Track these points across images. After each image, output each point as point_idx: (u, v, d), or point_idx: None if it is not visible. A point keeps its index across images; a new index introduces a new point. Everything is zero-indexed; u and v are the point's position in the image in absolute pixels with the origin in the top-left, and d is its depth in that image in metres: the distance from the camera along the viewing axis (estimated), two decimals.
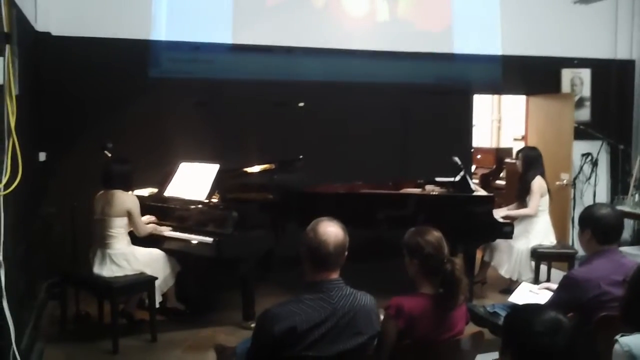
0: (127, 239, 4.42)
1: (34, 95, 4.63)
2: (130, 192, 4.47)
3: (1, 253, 2.87)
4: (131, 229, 4.46)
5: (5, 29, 3.06)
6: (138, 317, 4.61)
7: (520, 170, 5.56)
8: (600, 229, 3.04)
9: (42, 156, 5.07)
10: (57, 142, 5.25)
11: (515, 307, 1.98)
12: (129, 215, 4.36)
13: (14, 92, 3.12)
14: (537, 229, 5.34)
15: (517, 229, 5.19)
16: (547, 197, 5.40)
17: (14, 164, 3.04)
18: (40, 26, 5.14)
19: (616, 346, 2.10)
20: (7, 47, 3.06)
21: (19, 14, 3.81)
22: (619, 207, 5.65)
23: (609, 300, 2.85)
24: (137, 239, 4.49)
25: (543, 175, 5.41)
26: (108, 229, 4.32)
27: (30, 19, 4.76)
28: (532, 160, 5.47)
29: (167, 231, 4.63)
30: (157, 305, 4.40)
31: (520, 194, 5.46)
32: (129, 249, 4.40)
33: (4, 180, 2.94)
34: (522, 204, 5.43)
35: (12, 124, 3.06)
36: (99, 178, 4.43)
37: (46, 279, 5.02)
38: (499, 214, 5.26)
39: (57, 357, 4.06)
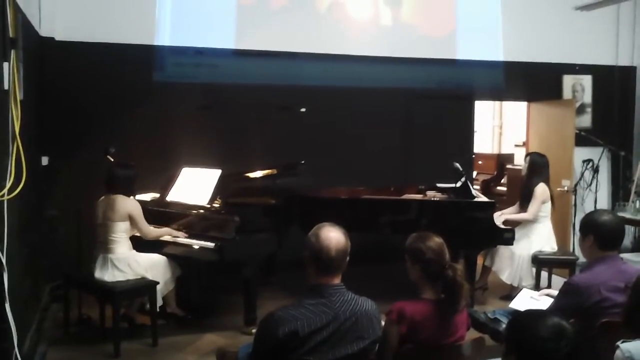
0: (129, 243, 4.43)
1: (37, 99, 4.66)
2: (131, 197, 4.48)
3: (5, 256, 2.89)
4: (133, 233, 4.47)
5: (11, 34, 3.09)
6: (139, 322, 4.61)
7: (524, 174, 5.54)
8: (602, 235, 3.04)
9: (45, 160, 5.09)
10: (59, 147, 5.27)
11: (519, 313, 1.99)
12: (131, 219, 4.37)
13: (19, 97, 3.15)
14: (539, 235, 5.34)
15: (519, 234, 5.19)
16: (549, 204, 5.39)
17: (18, 168, 3.06)
18: (44, 31, 5.17)
19: (617, 352, 2.11)
20: (13, 52, 3.08)
21: (23, 19, 3.83)
22: (620, 214, 5.65)
23: (609, 306, 2.86)
24: (139, 243, 4.50)
25: (547, 183, 5.41)
26: (110, 233, 4.32)
27: (35, 24, 4.79)
28: (538, 166, 5.44)
29: (182, 238, 4.61)
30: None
31: (523, 199, 5.46)
32: (131, 253, 4.40)
33: (8, 185, 2.95)
34: (524, 209, 5.42)
35: (17, 129, 3.08)
36: (102, 183, 4.45)
37: (49, 282, 5.03)
38: (498, 219, 5.25)
39: None
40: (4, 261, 2.88)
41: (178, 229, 4.68)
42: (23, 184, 3.10)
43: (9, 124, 3.07)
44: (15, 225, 3.24)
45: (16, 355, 3.01)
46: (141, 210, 4.43)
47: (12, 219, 3.08)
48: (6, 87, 3.04)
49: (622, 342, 2.13)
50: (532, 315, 1.86)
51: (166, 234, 4.62)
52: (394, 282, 3.58)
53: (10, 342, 2.96)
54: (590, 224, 3.10)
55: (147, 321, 4.43)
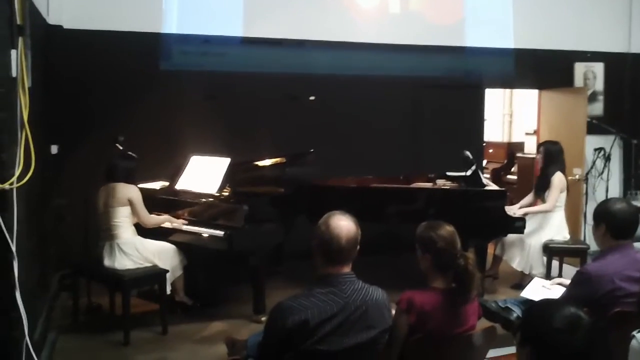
0: (133, 228, 4.44)
1: (45, 88, 4.65)
2: (132, 184, 4.48)
3: (14, 245, 2.89)
4: (135, 220, 4.47)
5: (19, 22, 3.07)
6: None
7: (541, 164, 5.49)
8: (615, 223, 3.02)
9: (54, 149, 5.09)
10: (68, 135, 5.27)
11: (535, 303, 1.95)
12: (131, 204, 4.37)
13: (27, 84, 3.13)
14: (551, 224, 5.29)
15: (531, 223, 5.17)
16: (565, 193, 5.34)
17: (26, 156, 3.05)
18: (52, 19, 5.15)
19: (633, 342, 2.08)
20: (21, 39, 3.06)
21: (31, 7, 3.81)
22: (632, 203, 5.60)
23: (622, 295, 2.84)
24: (148, 232, 4.50)
25: (563, 171, 5.35)
26: (113, 219, 4.34)
27: (42, 12, 4.77)
28: (553, 155, 5.39)
29: (183, 225, 4.61)
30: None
31: (539, 188, 5.40)
32: (137, 238, 4.41)
33: (17, 173, 2.95)
34: (540, 198, 5.37)
35: (25, 117, 3.07)
36: (104, 172, 4.46)
37: (58, 270, 5.05)
38: (518, 212, 5.20)
39: (69, 348, 4.08)
40: (14, 249, 2.88)
41: (184, 217, 4.68)
42: (32, 173, 3.09)
43: (17, 112, 3.05)
44: (24, 213, 3.24)
45: (27, 343, 3.01)
46: (141, 197, 4.43)
47: (21, 207, 3.07)
48: (14, 74, 3.02)
49: (639, 332, 2.10)
50: (548, 305, 1.82)
51: (165, 221, 4.62)
52: (404, 271, 3.56)
53: (21, 331, 2.96)
54: (603, 213, 3.08)
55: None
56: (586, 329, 1.67)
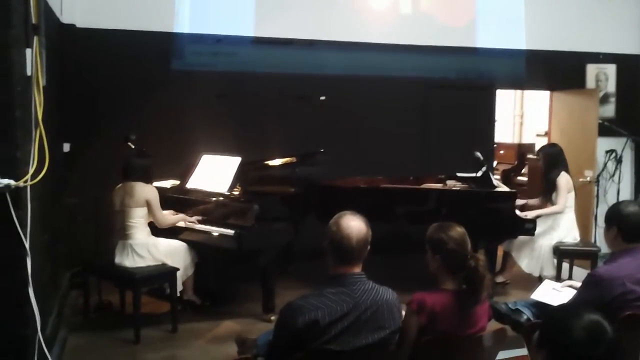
0: (147, 229, 4.46)
1: (58, 86, 4.68)
2: (149, 184, 4.50)
3: (28, 242, 2.91)
4: (151, 219, 4.49)
5: (34, 21, 3.09)
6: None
7: (542, 169, 5.47)
8: (627, 226, 3.00)
9: (66, 147, 5.12)
10: (80, 133, 5.30)
11: (556, 308, 1.86)
12: (148, 205, 4.39)
13: (42, 83, 3.16)
14: (561, 226, 5.27)
15: (542, 224, 5.15)
16: (572, 193, 5.33)
17: (40, 154, 3.07)
18: (65, 18, 5.18)
19: None
20: (35, 38, 3.09)
21: (45, 6, 3.83)
22: None
23: (634, 299, 2.83)
24: (159, 230, 4.53)
25: (567, 171, 5.34)
26: (128, 219, 4.35)
27: (56, 11, 4.79)
28: (553, 157, 5.38)
29: (197, 223, 4.63)
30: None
31: (546, 191, 5.39)
32: (150, 239, 4.43)
33: (31, 171, 2.97)
34: (549, 201, 5.35)
35: (40, 115, 3.09)
36: (120, 171, 4.47)
37: (69, 268, 5.08)
38: (529, 214, 5.18)
39: (80, 346, 4.11)
40: (27, 246, 2.90)
41: (195, 216, 4.69)
42: (45, 170, 3.12)
43: (32, 110, 3.08)
44: (38, 211, 3.26)
45: (39, 339, 3.03)
46: (158, 198, 4.45)
47: (35, 204, 3.10)
48: (29, 73, 3.05)
49: None
50: (570, 311, 1.71)
51: (180, 220, 4.64)
52: (414, 272, 3.55)
53: (33, 327, 2.98)
54: (615, 215, 3.07)
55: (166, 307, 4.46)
56: (608, 342, 1.58)
